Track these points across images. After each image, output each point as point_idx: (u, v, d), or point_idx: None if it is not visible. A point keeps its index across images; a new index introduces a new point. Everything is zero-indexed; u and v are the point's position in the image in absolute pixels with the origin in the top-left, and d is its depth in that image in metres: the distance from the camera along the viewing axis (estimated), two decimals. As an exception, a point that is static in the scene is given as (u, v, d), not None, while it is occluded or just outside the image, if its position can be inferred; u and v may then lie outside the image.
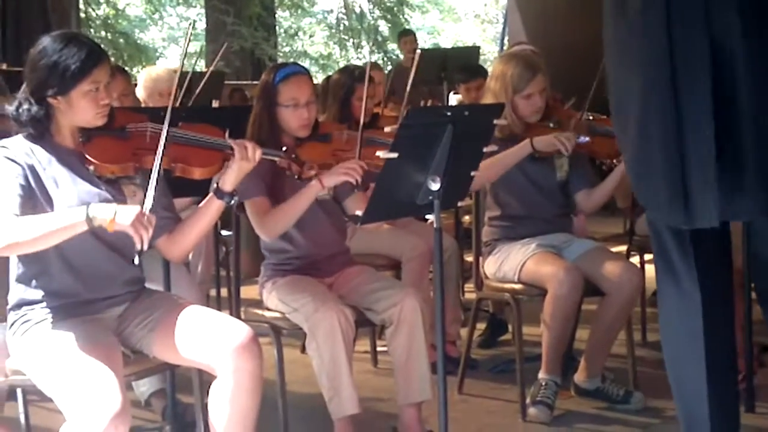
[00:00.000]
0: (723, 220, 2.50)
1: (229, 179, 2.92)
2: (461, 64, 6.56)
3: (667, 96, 2.47)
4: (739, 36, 2.40)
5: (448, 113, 2.94)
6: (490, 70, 4.47)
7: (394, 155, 2.81)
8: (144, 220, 2.59)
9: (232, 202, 2.96)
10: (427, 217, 4.10)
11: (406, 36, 10.33)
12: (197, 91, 5.30)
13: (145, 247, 2.61)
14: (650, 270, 3.72)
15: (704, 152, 2.43)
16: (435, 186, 2.90)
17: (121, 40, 18.55)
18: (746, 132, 2.41)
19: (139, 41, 20.25)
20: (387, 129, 3.83)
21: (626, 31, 2.58)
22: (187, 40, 3.08)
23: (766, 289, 2.61)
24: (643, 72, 2.54)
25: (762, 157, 2.41)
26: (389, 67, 12.63)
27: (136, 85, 5.00)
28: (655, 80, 2.50)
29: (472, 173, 3.17)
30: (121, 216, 2.57)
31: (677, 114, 2.46)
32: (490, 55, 19.58)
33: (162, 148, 2.80)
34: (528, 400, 3.75)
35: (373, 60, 15.95)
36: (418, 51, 4.76)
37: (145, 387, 3.72)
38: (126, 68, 6.09)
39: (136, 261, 2.75)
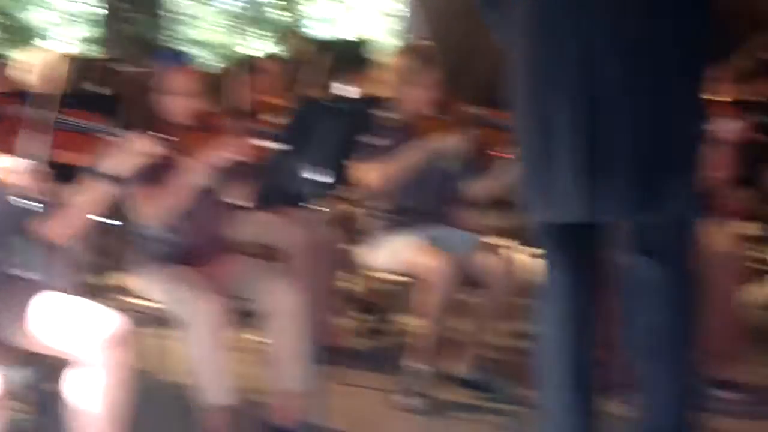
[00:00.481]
0: (588, 220, 2.62)
1: (121, 165, 2.91)
2: (353, 55, 6.58)
3: (539, 97, 2.57)
4: (608, 39, 2.50)
5: (335, 105, 2.97)
6: (386, 63, 4.52)
7: (279, 145, 2.83)
8: None
9: (123, 187, 2.95)
10: (309, 206, 4.12)
11: (293, 28, 10.30)
12: (88, 77, 5.20)
13: None
14: (531, 263, 3.82)
15: (571, 154, 2.54)
16: (317, 176, 2.92)
17: (6, 21, 17.98)
18: (611, 136, 2.51)
19: (23, 21, 19.65)
20: (273, 120, 3.84)
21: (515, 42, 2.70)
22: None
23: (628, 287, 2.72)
24: (521, 74, 2.66)
25: (626, 161, 2.51)
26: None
27: (10, 66, 4.86)
28: (529, 83, 2.60)
29: (354, 163, 3.20)
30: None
31: (547, 117, 2.57)
32: (388, 49, 19.63)
33: (46, 133, 2.76)
34: (403, 389, 3.80)
35: (270, 51, 15.81)
36: (312, 48, 4.74)
37: (14, 376, 3.64)
38: (6, 51, 5.94)
39: None
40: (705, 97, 2.81)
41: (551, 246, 2.78)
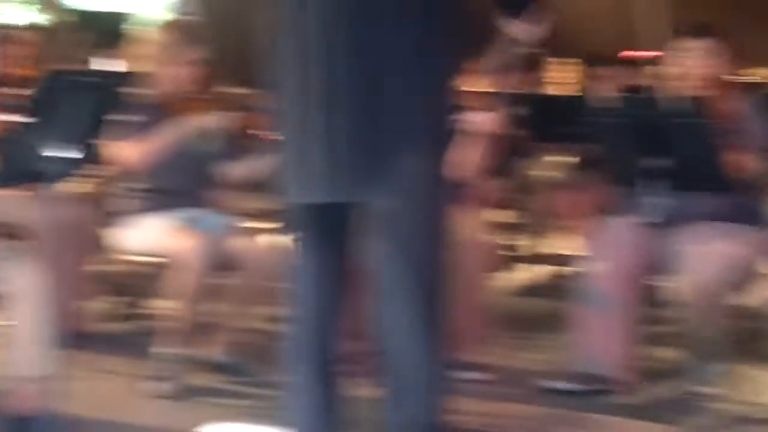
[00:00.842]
0: (313, 200, 2.67)
1: None
2: (116, 28, 6.39)
3: (285, 78, 2.63)
4: (346, 22, 2.53)
5: (89, 78, 2.87)
6: (148, 37, 4.39)
7: (25, 119, 2.70)
8: None
9: None
10: (54, 184, 3.96)
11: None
12: None
13: None
14: (287, 246, 3.81)
15: (301, 135, 2.59)
16: (63, 153, 2.80)
17: None
18: (336, 119, 2.54)
19: None
20: (22, 92, 3.65)
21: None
22: None
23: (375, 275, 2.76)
24: (276, 55, 2.68)
25: (349, 142, 2.54)
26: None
27: None
28: (279, 64, 2.64)
29: (106, 141, 3.10)
30: None
31: (289, 98, 2.60)
32: (155, 23, 19.14)
33: None
34: (154, 374, 3.72)
35: (30, 20, 15.12)
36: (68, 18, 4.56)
37: None
38: None
39: None
40: (457, 87, 2.89)
41: (298, 228, 2.80)
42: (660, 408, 3.58)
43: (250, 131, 4.03)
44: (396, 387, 2.69)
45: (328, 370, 2.79)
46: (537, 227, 5.69)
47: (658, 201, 3.47)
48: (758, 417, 3.61)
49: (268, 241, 3.89)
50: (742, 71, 6.35)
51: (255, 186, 4.80)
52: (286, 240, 2.95)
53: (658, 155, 3.44)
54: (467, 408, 3.41)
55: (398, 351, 2.67)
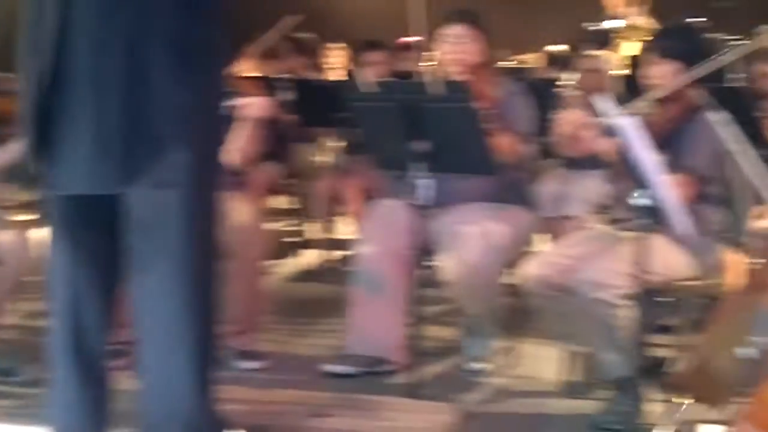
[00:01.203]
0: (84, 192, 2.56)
1: None
2: None
3: (25, 61, 2.53)
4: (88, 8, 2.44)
5: None
6: None
7: None
8: None
9: None
10: None
11: None
12: None
13: None
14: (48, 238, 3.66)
15: (34, 124, 2.49)
16: None
17: None
18: (76, 107, 2.46)
19: None
20: None
21: None
22: None
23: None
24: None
25: (91, 132, 2.46)
26: None
27: None
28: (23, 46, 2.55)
29: None
30: None
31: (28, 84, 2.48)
32: None
33: None
34: None
35: None
36: None
37: None
38: None
39: None
40: (228, 73, 2.80)
41: (53, 218, 2.69)
42: (435, 386, 3.65)
43: (8, 117, 3.83)
44: (152, 378, 2.60)
45: (90, 364, 2.67)
46: (316, 212, 5.70)
47: (424, 183, 3.52)
48: (526, 389, 3.75)
49: (30, 234, 3.71)
50: (509, 57, 6.62)
51: (14, 175, 4.59)
52: (47, 232, 2.82)
53: (422, 138, 3.49)
54: (244, 396, 3.38)
55: (153, 342, 2.58)
